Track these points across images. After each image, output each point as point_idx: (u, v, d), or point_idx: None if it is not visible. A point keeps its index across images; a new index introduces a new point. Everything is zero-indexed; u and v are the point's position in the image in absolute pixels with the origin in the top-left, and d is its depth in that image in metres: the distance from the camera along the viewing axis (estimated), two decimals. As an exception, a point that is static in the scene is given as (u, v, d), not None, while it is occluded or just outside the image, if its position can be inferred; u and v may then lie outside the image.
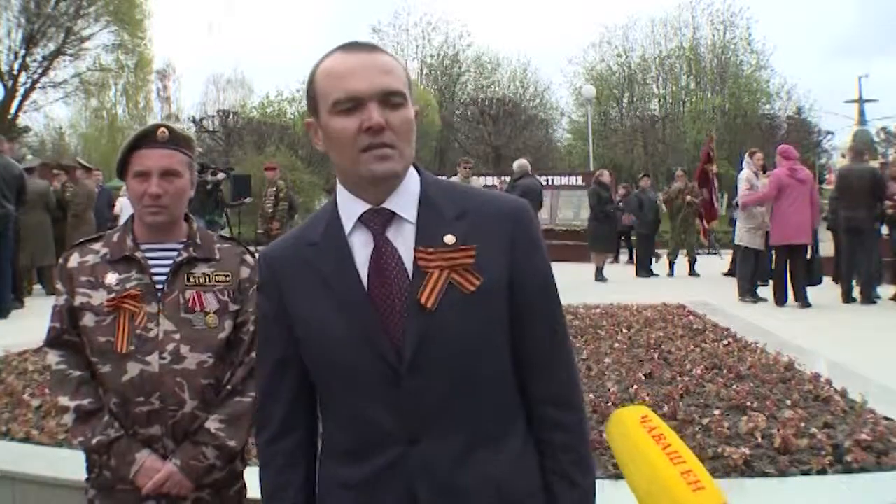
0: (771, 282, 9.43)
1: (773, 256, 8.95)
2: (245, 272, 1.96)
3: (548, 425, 1.32)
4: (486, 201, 1.33)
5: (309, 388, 1.36)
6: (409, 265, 1.25)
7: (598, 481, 1.34)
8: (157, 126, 1.90)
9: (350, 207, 1.30)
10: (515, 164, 10.83)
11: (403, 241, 1.27)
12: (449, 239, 1.25)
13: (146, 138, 1.87)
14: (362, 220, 1.28)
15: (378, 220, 1.28)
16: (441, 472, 1.24)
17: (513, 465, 1.29)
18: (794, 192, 8.55)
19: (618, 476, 2.60)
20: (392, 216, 1.28)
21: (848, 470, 2.99)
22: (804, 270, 8.61)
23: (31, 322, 6.60)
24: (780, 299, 8.61)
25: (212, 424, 1.85)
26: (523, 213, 1.33)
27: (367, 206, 1.28)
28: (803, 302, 8.44)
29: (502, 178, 11.56)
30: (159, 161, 1.86)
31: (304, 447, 1.38)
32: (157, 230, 1.91)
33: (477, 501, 1.25)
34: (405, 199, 1.29)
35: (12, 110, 27.18)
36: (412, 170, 1.33)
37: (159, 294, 1.86)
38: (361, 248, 1.28)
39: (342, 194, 1.31)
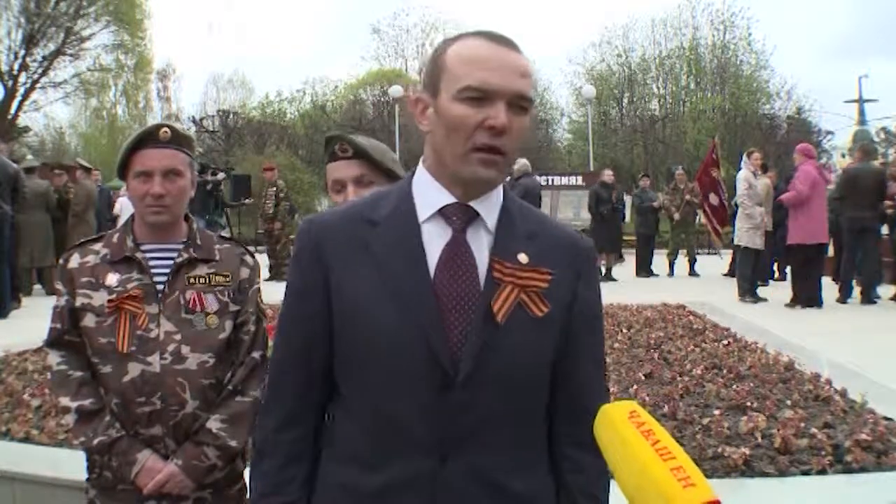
0: (770, 281, 9.46)
1: (793, 256, 8.80)
2: (245, 272, 1.96)
3: (570, 466, 1.27)
4: (556, 227, 1.31)
5: (327, 380, 1.26)
6: (481, 272, 1.19)
7: None
8: (160, 126, 1.90)
9: (432, 195, 1.22)
10: (517, 164, 10.85)
11: (479, 246, 1.21)
12: (522, 257, 1.20)
13: (148, 138, 1.86)
14: (443, 212, 1.21)
15: (462, 217, 1.21)
16: (466, 494, 1.17)
17: (537, 485, 1.24)
18: (822, 190, 8.55)
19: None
20: (475, 217, 1.22)
21: (848, 470, 2.99)
22: (821, 270, 8.60)
23: (31, 322, 6.60)
24: (801, 298, 8.48)
25: (213, 424, 1.85)
26: (588, 249, 1.32)
27: (452, 199, 1.21)
28: (819, 302, 8.42)
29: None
30: (162, 161, 1.86)
31: (311, 441, 1.28)
32: (158, 230, 1.91)
33: None
34: (491, 206, 1.24)
35: (12, 110, 27.18)
36: None
37: (160, 295, 1.86)
38: (433, 240, 1.20)
39: (424, 179, 1.24)
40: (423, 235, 1.20)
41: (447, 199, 1.21)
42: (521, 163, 10.91)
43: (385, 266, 1.18)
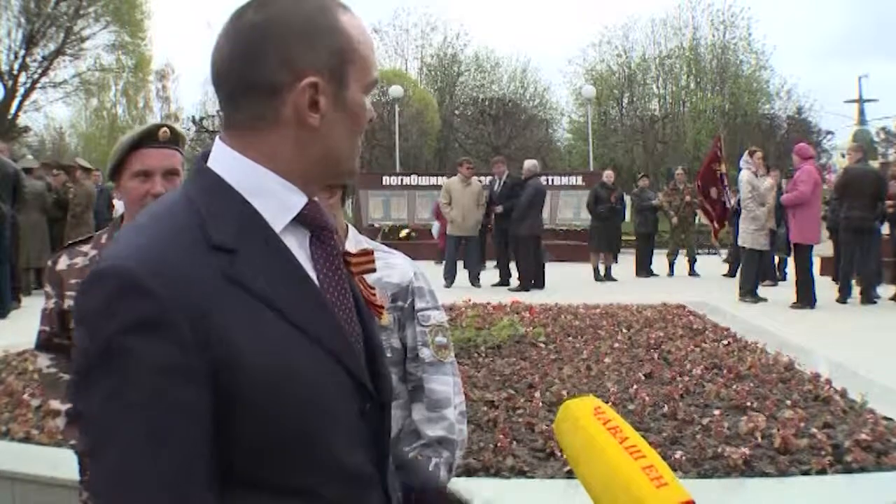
0: (770, 281, 9.46)
1: (794, 256, 8.84)
2: None
3: None
4: None
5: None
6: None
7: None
8: (160, 126, 1.88)
9: (279, 199, 0.94)
10: (527, 164, 10.93)
11: None
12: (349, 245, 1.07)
13: (148, 138, 1.84)
14: (301, 216, 0.96)
15: (321, 215, 0.99)
16: None
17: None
18: (820, 191, 8.58)
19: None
20: None
21: (848, 470, 2.99)
22: (812, 269, 8.63)
23: (31, 322, 6.59)
24: (809, 300, 8.50)
25: None
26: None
27: (305, 199, 0.96)
28: (812, 302, 8.44)
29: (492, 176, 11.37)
30: (162, 161, 1.84)
31: None
32: None
33: None
34: None
35: (12, 110, 27.16)
36: None
37: None
38: (298, 247, 0.96)
39: (260, 182, 0.93)
40: (290, 246, 0.95)
41: (300, 198, 0.96)
42: (532, 163, 11.00)
43: (272, 300, 0.88)
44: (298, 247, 0.95)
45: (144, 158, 1.83)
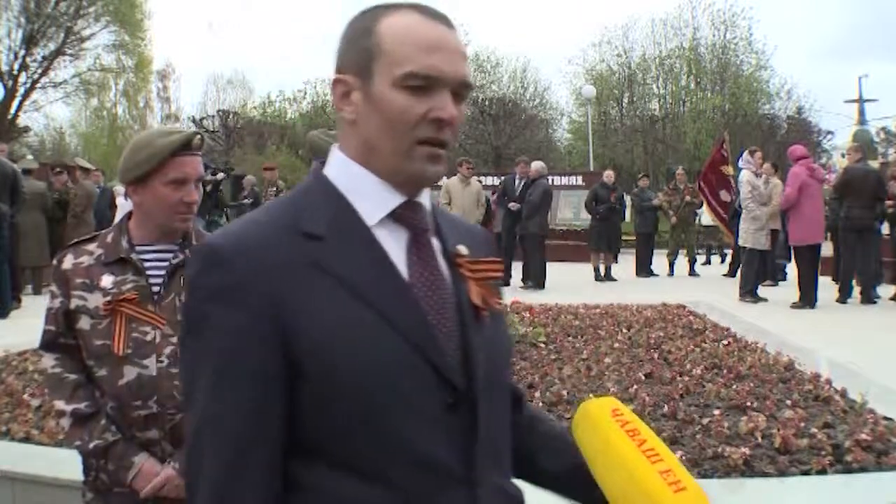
0: (770, 281, 9.45)
1: (794, 257, 8.88)
2: None
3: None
4: (456, 217, 1.21)
5: (283, 456, 0.95)
6: (445, 272, 1.06)
7: None
8: (195, 133, 1.89)
9: (376, 196, 1.02)
10: (536, 165, 10.99)
11: (434, 244, 1.07)
12: (462, 249, 1.07)
13: (186, 146, 1.84)
14: (395, 214, 1.03)
15: (417, 215, 1.04)
16: None
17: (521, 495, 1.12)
18: (814, 191, 8.59)
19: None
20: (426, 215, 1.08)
21: (848, 470, 2.99)
22: (817, 270, 8.63)
23: (31, 322, 6.59)
24: (811, 300, 8.51)
25: None
26: (492, 240, 1.24)
27: (401, 199, 1.03)
28: (813, 302, 8.43)
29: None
30: (196, 169, 1.87)
31: None
32: (160, 233, 1.89)
33: None
34: (426, 199, 1.09)
35: (12, 110, 27.14)
36: None
37: (156, 297, 1.84)
38: (392, 244, 1.02)
39: (358, 179, 1.03)
40: (382, 241, 1.01)
41: (396, 198, 1.03)
42: (540, 164, 11.09)
43: (352, 282, 0.95)
44: (394, 243, 1.02)
45: (181, 166, 1.83)
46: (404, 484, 0.94)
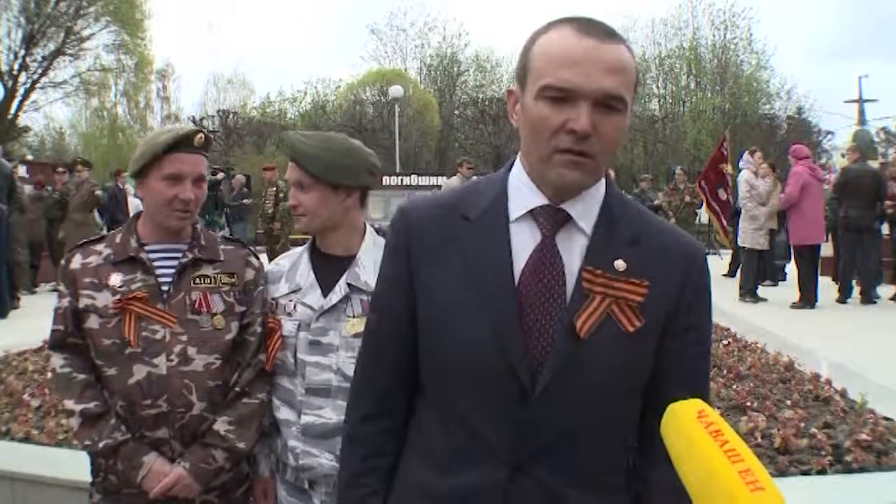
0: (770, 282, 9.43)
1: (794, 257, 8.87)
2: (250, 274, 1.94)
3: (657, 487, 1.15)
4: (664, 231, 1.20)
5: (413, 372, 1.23)
6: (570, 280, 1.11)
7: None
8: (197, 131, 1.87)
9: (524, 195, 1.16)
10: None
11: (570, 252, 1.13)
12: (619, 265, 1.11)
13: (185, 142, 1.82)
14: (534, 213, 1.14)
15: (552, 220, 1.14)
16: None
17: None
18: (815, 191, 8.59)
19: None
20: (566, 220, 1.14)
21: (848, 470, 2.99)
22: (817, 270, 8.62)
23: (31, 322, 6.59)
24: (811, 300, 8.49)
25: (221, 426, 1.83)
26: (700, 256, 1.19)
27: (544, 201, 1.14)
28: (813, 302, 8.43)
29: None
30: (195, 167, 1.84)
31: (396, 434, 1.25)
32: (167, 232, 1.89)
33: None
34: (587, 208, 1.15)
35: (12, 110, 27.15)
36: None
37: (165, 296, 1.84)
38: (523, 242, 1.13)
39: (520, 178, 1.17)
40: (514, 236, 1.14)
41: (538, 199, 1.14)
42: None
43: (473, 265, 1.13)
44: (527, 240, 1.14)
45: (177, 163, 1.82)
46: (457, 440, 1.15)
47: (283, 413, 1.87)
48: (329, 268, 1.87)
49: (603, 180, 1.18)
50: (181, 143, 1.82)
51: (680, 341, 1.16)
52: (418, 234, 1.19)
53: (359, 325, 1.76)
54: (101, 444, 1.79)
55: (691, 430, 0.96)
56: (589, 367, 1.10)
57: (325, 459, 1.79)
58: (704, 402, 1.08)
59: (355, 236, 1.91)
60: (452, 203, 1.20)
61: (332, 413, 1.78)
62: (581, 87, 1.05)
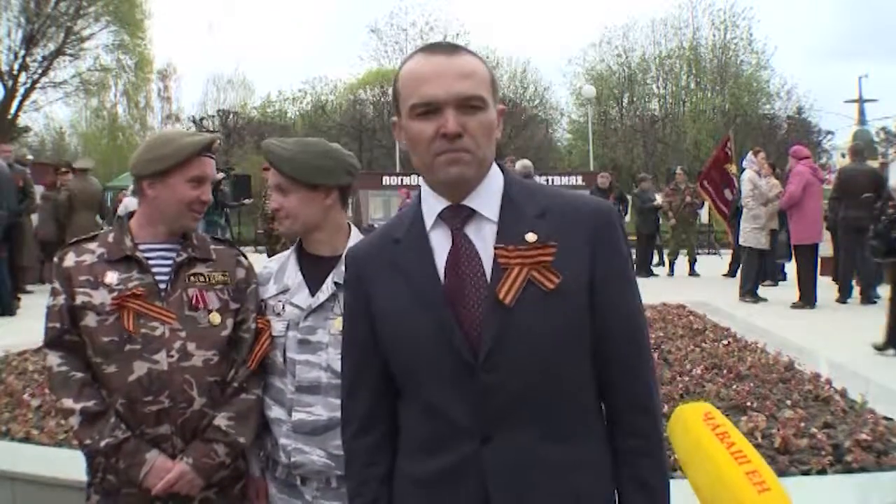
0: (770, 281, 9.43)
1: (794, 256, 8.89)
2: (241, 273, 1.98)
3: (625, 431, 1.29)
4: (569, 201, 1.33)
5: (390, 386, 1.38)
6: (487, 262, 1.26)
7: None
8: (216, 138, 1.98)
9: (431, 205, 1.32)
10: (518, 164, 10.76)
11: (483, 238, 1.29)
12: (530, 237, 1.25)
13: (208, 147, 1.91)
14: (442, 216, 1.31)
15: (457, 218, 1.30)
16: (514, 471, 1.24)
17: (588, 468, 1.28)
18: (816, 191, 8.60)
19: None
20: (471, 214, 1.30)
21: (848, 470, 2.99)
22: (816, 269, 8.63)
23: (31, 322, 6.59)
24: (811, 299, 8.51)
25: (221, 421, 1.85)
26: (605, 214, 1.32)
27: (446, 204, 1.30)
28: (813, 302, 8.44)
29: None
30: (213, 170, 1.94)
31: (387, 442, 1.39)
32: (167, 232, 1.92)
33: (550, 503, 1.25)
34: (486, 198, 1.30)
35: (12, 110, 27.16)
36: (495, 169, 1.34)
37: (163, 293, 1.86)
38: (441, 244, 1.30)
39: (425, 191, 1.35)
40: (433, 242, 1.31)
41: (442, 204, 1.31)
42: (522, 163, 10.78)
43: (406, 276, 1.30)
44: (443, 240, 1.30)
45: (202, 166, 1.91)
46: (430, 426, 1.29)
47: (274, 412, 1.90)
48: (316, 268, 1.91)
49: (499, 172, 1.34)
50: (207, 148, 1.90)
51: (605, 288, 1.28)
52: (364, 265, 1.38)
53: None
54: (102, 443, 1.79)
55: (698, 432, 0.98)
56: (523, 332, 1.23)
57: (316, 456, 1.82)
58: (638, 333, 1.30)
59: (340, 236, 1.95)
60: (385, 232, 1.40)
61: (322, 410, 1.81)
62: (439, 96, 1.23)
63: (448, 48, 1.29)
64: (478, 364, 1.23)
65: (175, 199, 1.88)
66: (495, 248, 1.26)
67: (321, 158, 1.90)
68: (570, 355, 1.27)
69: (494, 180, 1.32)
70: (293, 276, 1.93)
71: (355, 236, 1.97)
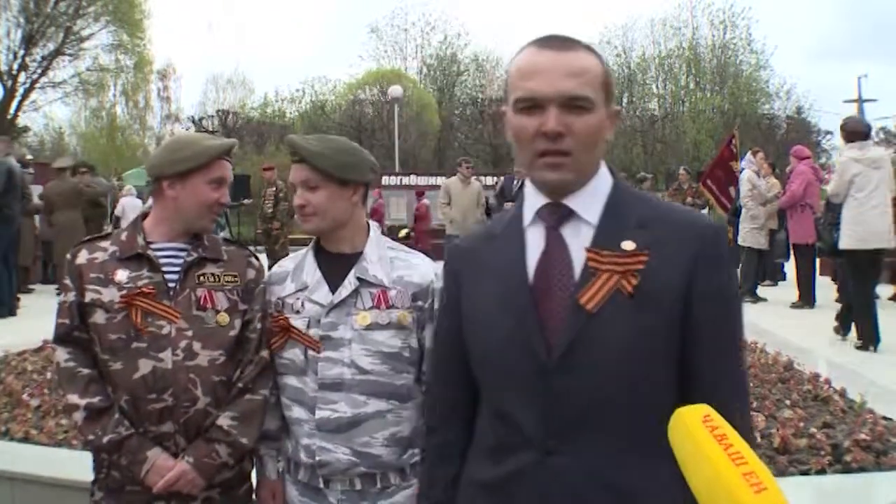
0: (770, 281, 9.42)
1: (794, 257, 8.90)
2: (251, 273, 1.98)
3: None
4: (679, 215, 1.28)
5: (470, 387, 1.36)
6: (579, 265, 1.23)
7: None
8: (235, 141, 2.04)
9: (532, 201, 1.31)
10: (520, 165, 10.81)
11: (579, 240, 1.25)
12: (627, 245, 1.21)
13: (229, 151, 1.95)
14: (539, 214, 1.29)
15: (554, 216, 1.27)
16: (575, 488, 1.19)
17: (656, 485, 1.19)
18: (816, 190, 8.65)
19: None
20: (570, 214, 1.27)
21: (847, 470, 2.99)
22: (815, 269, 8.65)
23: (31, 322, 6.60)
24: (810, 299, 8.51)
25: (224, 421, 1.85)
26: (713, 233, 1.26)
27: (546, 201, 1.28)
28: (812, 302, 8.45)
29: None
30: (231, 173, 1.98)
31: (456, 444, 1.38)
32: (184, 231, 1.94)
33: None
34: (589, 200, 1.27)
35: (12, 110, 27.14)
36: (604, 171, 1.31)
37: (171, 292, 1.87)
38: (536, 242, 1.28)
39: (529, 187, 1.33)
40: (528, 239, 1.29)
41: (542, 200, 1.29)
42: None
43: (496, 274, 1.29)
44: (538, 239, 1.28)
45: (222, 168, 1.94)
46: (499, 433, 1.27)
47: (295, 412, 1.86)
48: (335, 265, 1.89)
49: (608, 176, 1.30)
50: (228, 152, 1.95)
51: (703, 304, 1.22)
52: (460, 261, 1.39)
53: (370, 318, 1.80)
54: (105, 439, 1.80)
55: (697, 434, 0.99)
56: (601, 338, 1.19)
57: (341, 454, 1.79)
58: (733, 354, 1.26)
59: (361, 233, 1.94)
60: (488, 226, 1.42)
61: (346, 407, 1.79)
62: (543, 92, 1.20)
63: (561, 42, 1.24)
64: (551, 366, 1.20)
65: (195, 200, 1.91)
66: (587, 251, 1.22)
67: (349, 154, 1.89)
68: (649, 368, 1.21)
69: (603, 183, 1.29)
70: (311, 273, 1.90)
71: (374, 232, 1.95)
